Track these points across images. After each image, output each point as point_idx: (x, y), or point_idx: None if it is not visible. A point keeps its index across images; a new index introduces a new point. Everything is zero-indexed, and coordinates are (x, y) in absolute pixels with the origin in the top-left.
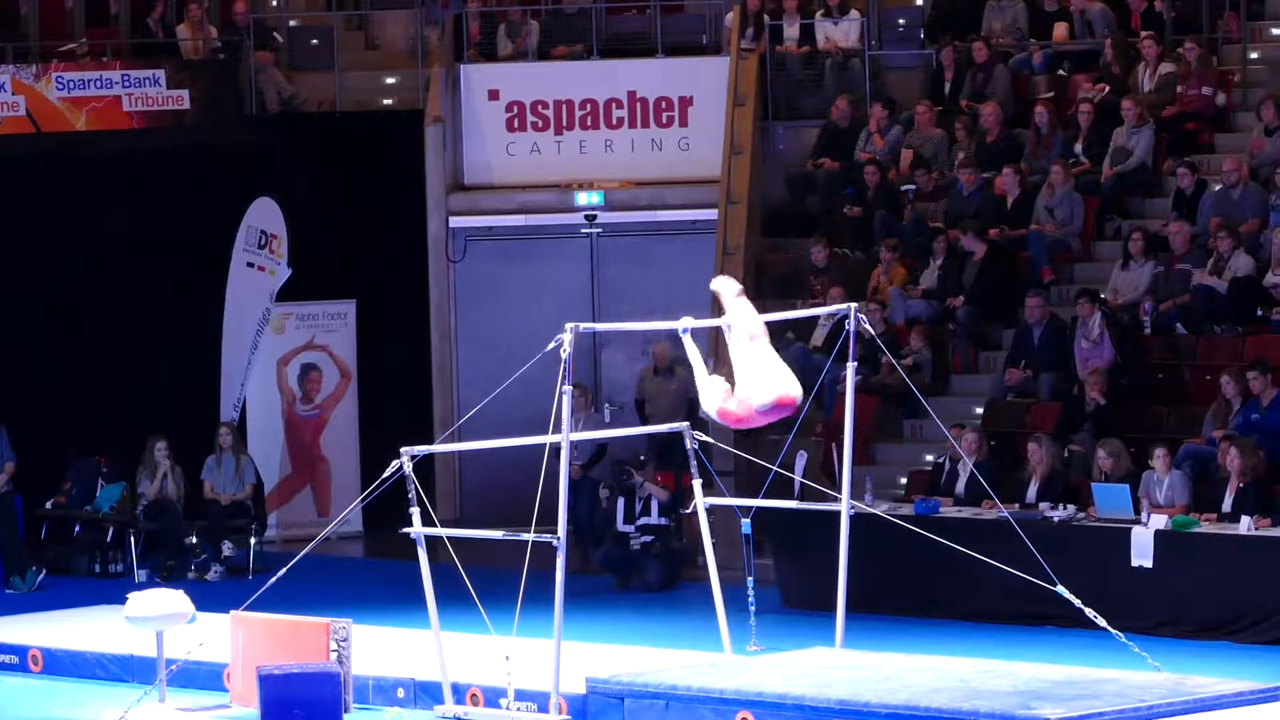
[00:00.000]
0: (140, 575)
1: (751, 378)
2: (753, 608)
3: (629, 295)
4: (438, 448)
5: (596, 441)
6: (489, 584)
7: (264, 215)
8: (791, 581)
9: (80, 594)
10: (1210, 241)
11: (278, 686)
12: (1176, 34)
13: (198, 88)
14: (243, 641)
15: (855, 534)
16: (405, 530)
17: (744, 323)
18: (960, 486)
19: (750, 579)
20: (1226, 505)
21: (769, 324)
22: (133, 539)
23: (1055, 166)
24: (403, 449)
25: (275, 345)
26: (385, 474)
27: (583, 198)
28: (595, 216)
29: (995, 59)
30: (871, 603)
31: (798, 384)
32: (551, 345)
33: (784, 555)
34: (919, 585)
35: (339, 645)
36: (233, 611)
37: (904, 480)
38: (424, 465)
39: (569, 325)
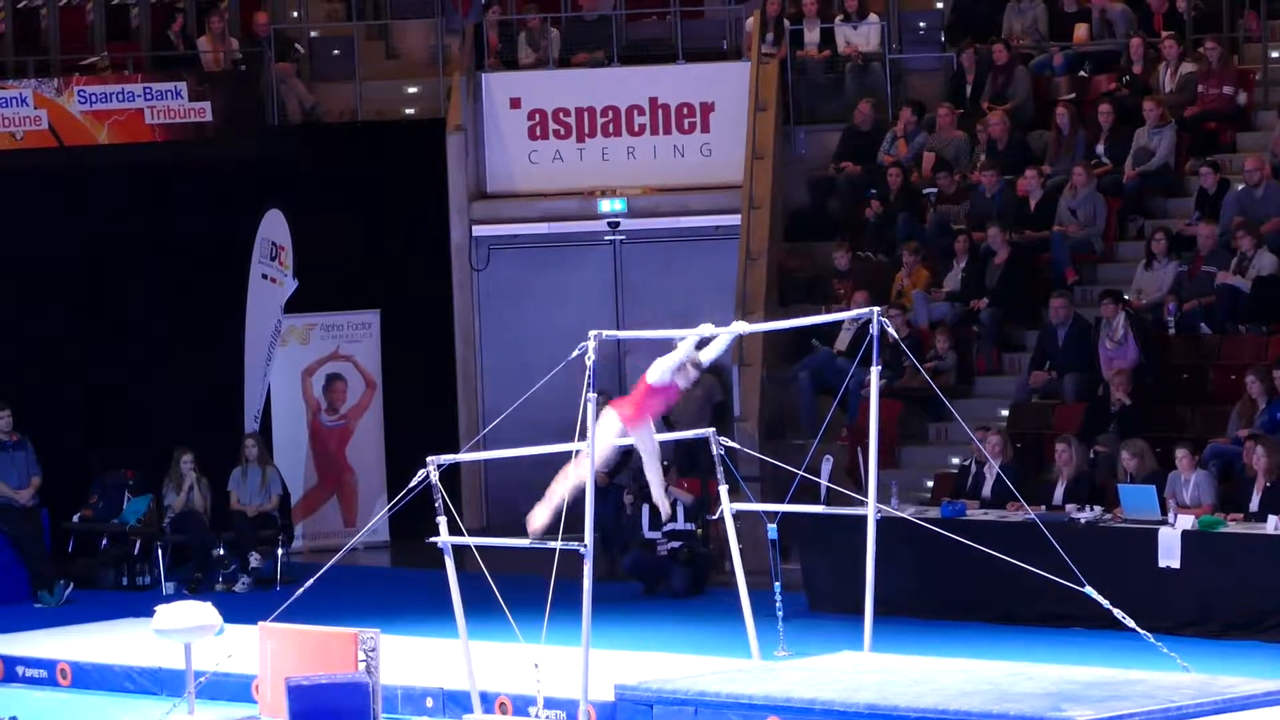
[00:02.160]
0: (168, 588)
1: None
2: (780, 612)
3: (653, 301)
4: (463, 456)
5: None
6: (516, 592)
7: (274, 227)
8: (819, 585)
9: (108, 607)
10: (1232, 241)
11: (306, 697)
12: (1197, 33)
13: (219, 99)
14: (271, 653)
15: (882, 537)
16: (432, 539)
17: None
18: (986, 489)
19: (777, 584)
20: (1253, 505)
21: (793, 330)
22: (159, 552)
23: (1077, 167)
24: (428, 458)
25: (300, 356)
26: (411, 483)
27: (605, 204)
28: (618, 223)
29: (1016, 61)
30: (899, 606)
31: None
32: (575, 353)
33: (811, 559)
34: (946, 588)
35: (367, 655)
36: (261, 623)
37: (930, 483)
38: (449, 473)
39: (592, 333)
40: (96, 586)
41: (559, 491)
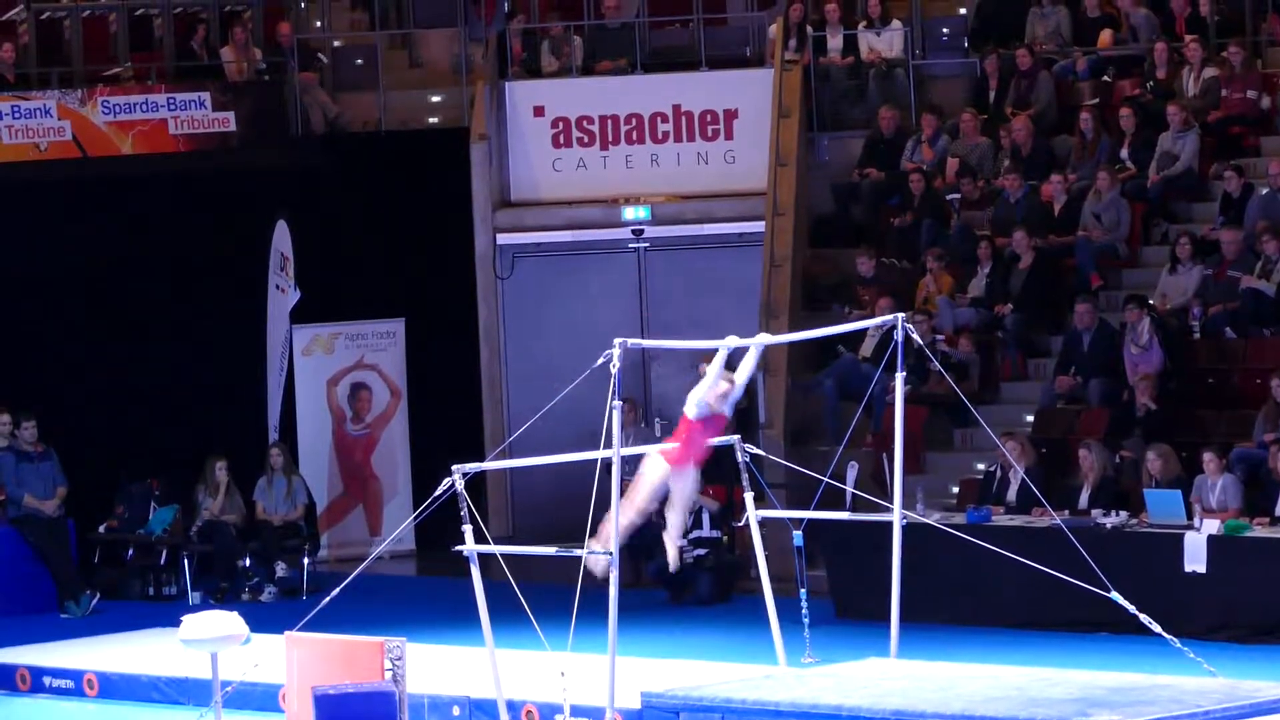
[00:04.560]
0: (194, 598)
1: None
2: (806, 619)
3: (677, 308)
4: (489, 465)
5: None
6: (542, 600)
7: (282, 237)
8: (845, 592)
9: (134, 617)
10: (1257, 245)
11: (333, 706)
12: (1220, 37)
13: (243, 109)
14: (297, 662)
15: (908, 543)
16: (458, 548)
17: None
18: (1011, 494)
19: (803, 590)
20: (1279, 509)
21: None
22: (186, 561)
23: (1101, 172)
24: (454, 466)
25: (324, 365)
26: (437, 492)
27: (629, 212)
28: (642, 231)
29: (1039, 66)
30: (925, 612)
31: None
32: (600, 361)
33: (837, 566)
34: (972, 594)
35: (394, 664)
36: (287, 632)
37: (955, 489)
38: (475, 482)
39: (617, 341)
40: (123, 597)
41: (622, 517)
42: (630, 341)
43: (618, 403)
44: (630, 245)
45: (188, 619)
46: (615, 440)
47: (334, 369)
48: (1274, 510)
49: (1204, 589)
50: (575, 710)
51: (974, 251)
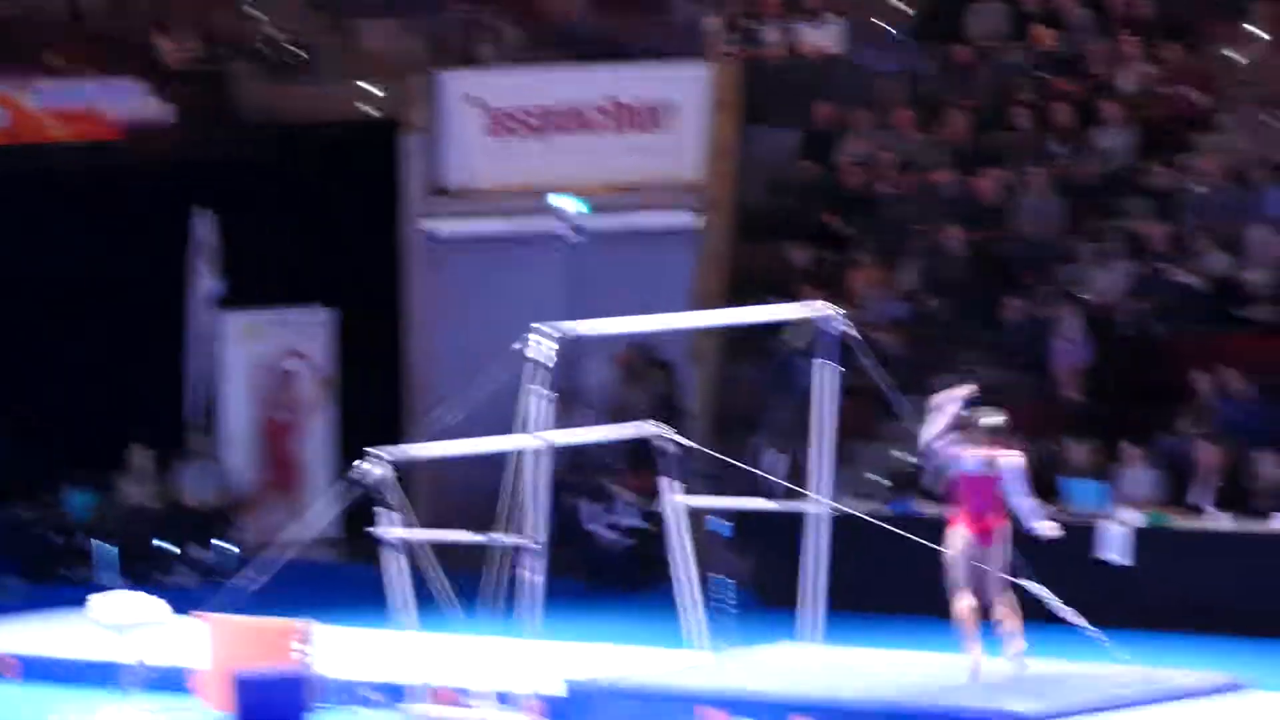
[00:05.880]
0: (114, 581)
1: None
2: (727, 607)
3: (610, 300)
4: (405, 450)
5: (570, 446)
6: (463, 586)
7: (206, 226)
8: (769, 581)
9: (52, 601)
10: (1189, 241)
11: (248, 689)
12: (1158, 36)
13: (178, 98)
14: (213, 645)
15: (835, 533)
16: (370, 529)
17: None
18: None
19: (725, 578)
20: (1201, 501)
21: (750, 327)
22: (105, 545)
23: (1036, 168)
24: (369, 449)
25: (252, 352)
26: (351, 474)
27: (563, 203)
28: (577, 223)
29: (977, 61)
30: (853, 601)
31: None
32: (516, 345)
33: (762, 555)
34: (898, 583)
35: (308, 647)
36: (203, 614)
37: (883, 480)
38: (404, 472)
39: (535, 325)
40: (41, 580)
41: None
42: (547, 325)
43: (540, 389)
44: (563, 236)
45: (102, 600)
46: (533, 426)
47: (262, 356)
48: (1196, 502)
49: (1124, 579)
50: (496, 696)
51: (907, 245)
